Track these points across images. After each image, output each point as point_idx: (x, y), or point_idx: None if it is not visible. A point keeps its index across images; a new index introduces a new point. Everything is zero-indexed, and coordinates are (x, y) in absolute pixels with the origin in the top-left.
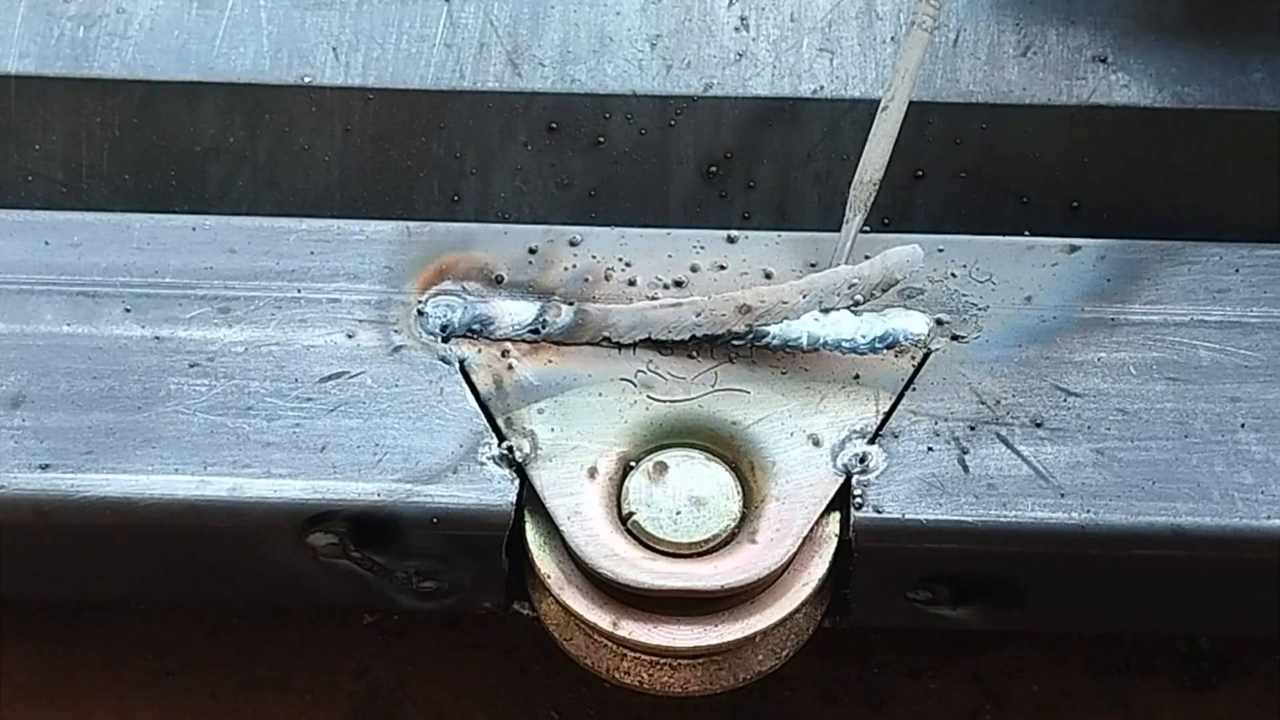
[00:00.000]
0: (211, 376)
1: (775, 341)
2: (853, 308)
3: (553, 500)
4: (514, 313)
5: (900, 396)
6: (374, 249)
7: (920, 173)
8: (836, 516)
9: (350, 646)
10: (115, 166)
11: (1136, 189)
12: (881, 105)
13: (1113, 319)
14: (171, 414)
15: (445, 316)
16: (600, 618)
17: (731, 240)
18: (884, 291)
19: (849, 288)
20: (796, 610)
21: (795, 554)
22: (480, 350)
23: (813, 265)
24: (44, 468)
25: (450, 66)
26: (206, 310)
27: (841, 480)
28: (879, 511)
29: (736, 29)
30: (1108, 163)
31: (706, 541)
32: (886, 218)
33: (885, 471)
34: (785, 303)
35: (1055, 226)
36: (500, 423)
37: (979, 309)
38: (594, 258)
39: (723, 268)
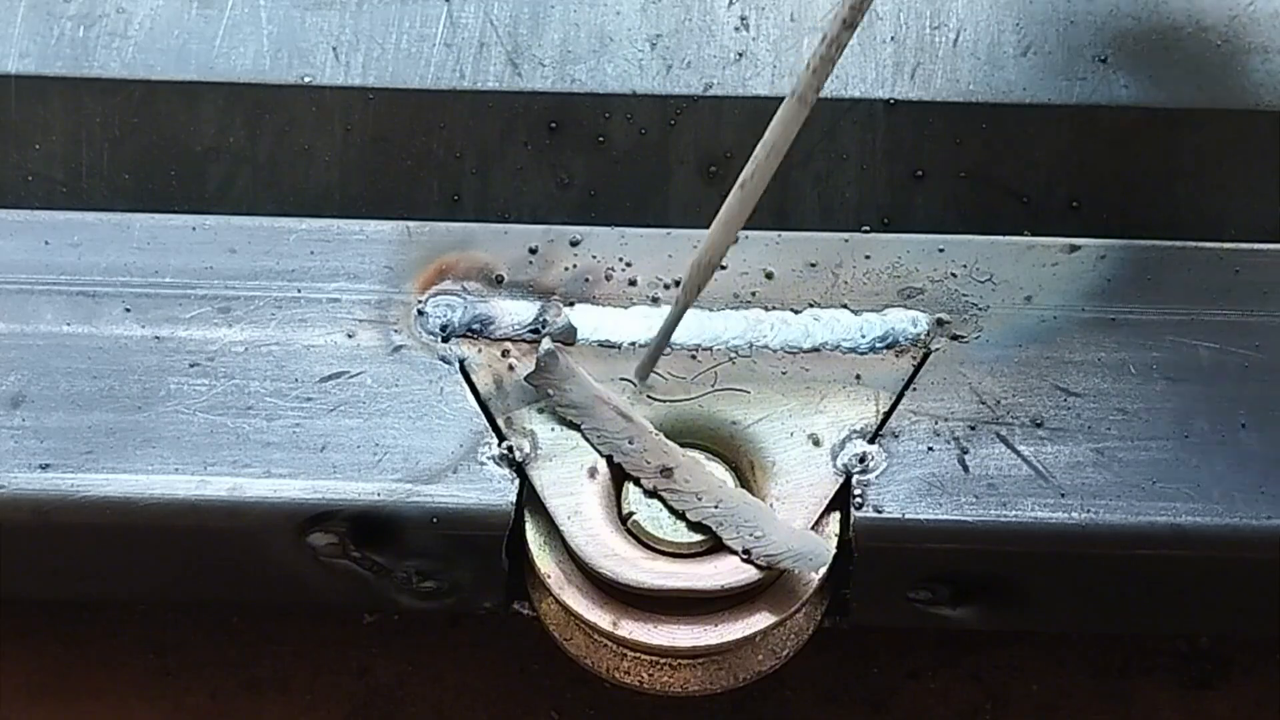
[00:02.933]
0: (211, 376)
1: (775, 341)
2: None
3: (553, 500)
4: (514, 313)
5: (900, 396)
6: (374, 249)
7: (920, 173)
8: (836, 516)
9: (350, 646)
10: (115, 166)
11: (1136, 189)
12: (739, 181)
13: (1113, 319)
14: (171, 414)
15: (445, 316)
16: (600, 618)
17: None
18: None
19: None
20: (796, 610)
21: None
22: (480, 350)
23: (812, 265)
24: (44, 468)
25: (450, 66)
26: (206, 310)
27: (841, 480)
28: (879, 511)
29: (736, 29)
30: (1108, 163)
31: (706, 541)
32: (886, 217)
33: (885, 471)
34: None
35: (1055, 226)
36: (500, 422)
37: (979, 309)
38: (594, 258)
39: (723, 268)
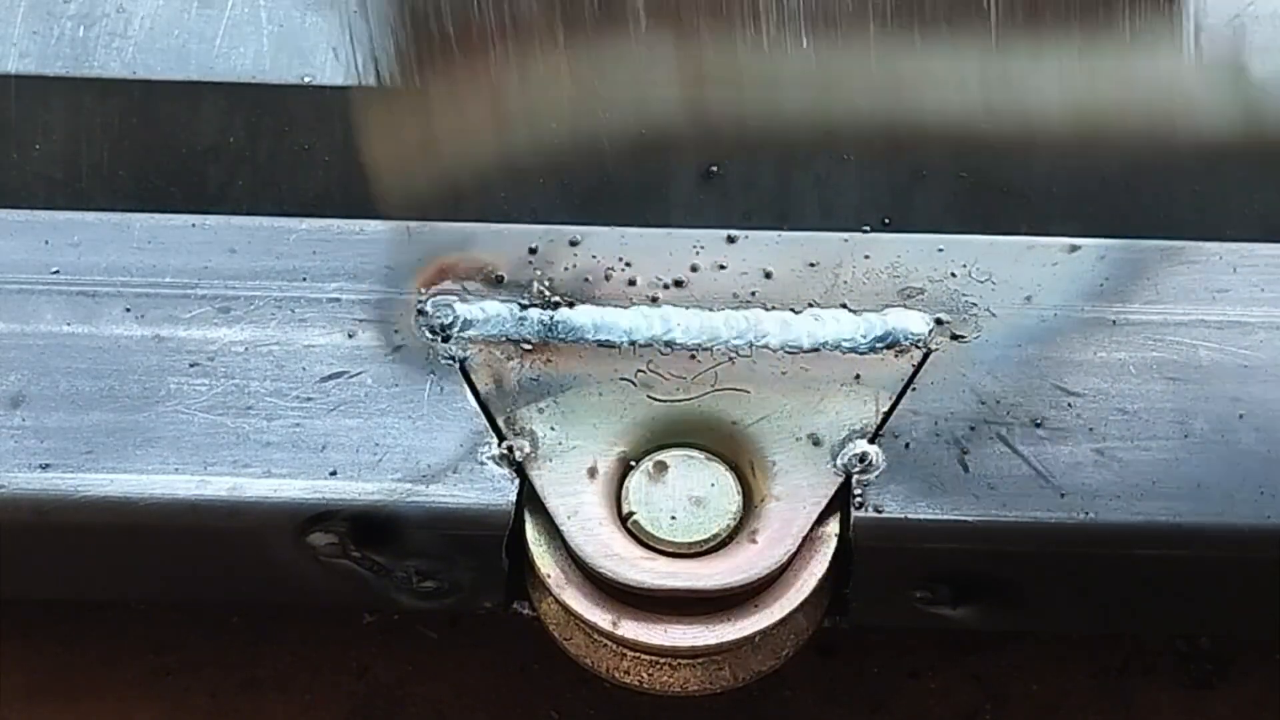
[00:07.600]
0: (211, 376)
1: (775, 341)
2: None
3: (553, 500)
4: (514, 313)
5: (900, 396)
6: (374, 249)
7: (920, 173)
8: (836, 516)
9: (350, 646)
10: (115, 166)
11: (1136, 189)
12: None
13: (1113, 319)
14: (171, 414)
15: (445, 316)
16: (600, 618)
17: (731, 240)
18: None
19: None
20: (796, 610)
21: (795, 554)
22: (480, 350)
23: (812, 265)
24: (44, 468)
25: None
26: (206, 310)
27: (841, 480)
28: (879, 511)
29: None
30: (1108, 163)
31: (706, 541)
32: (887, 217)
33: (885, 471)
34: None
35: (1055, 226)
36: (500, 422)
37: (979, 309)
38: (594, 258)
39: (723, 268)
